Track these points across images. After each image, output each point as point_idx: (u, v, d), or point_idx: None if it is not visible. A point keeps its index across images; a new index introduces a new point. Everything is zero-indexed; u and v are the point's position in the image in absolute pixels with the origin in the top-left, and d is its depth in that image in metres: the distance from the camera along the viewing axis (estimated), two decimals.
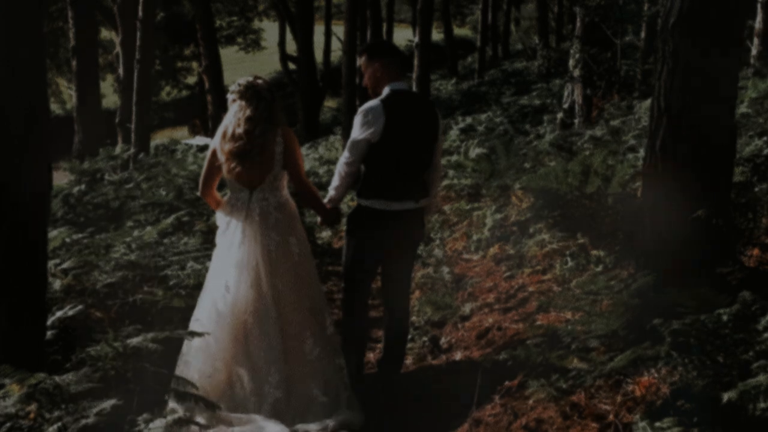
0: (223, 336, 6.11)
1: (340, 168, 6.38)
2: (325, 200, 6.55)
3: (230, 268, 6.21)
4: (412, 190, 6.32)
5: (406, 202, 6.31)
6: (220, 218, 6.46)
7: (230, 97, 6.39)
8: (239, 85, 6.35)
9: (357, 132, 6.24)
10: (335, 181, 6.46)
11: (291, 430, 5.82)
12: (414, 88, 22.33)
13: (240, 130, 6.17)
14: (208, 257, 7.33)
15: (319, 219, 6.74)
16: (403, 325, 6.77)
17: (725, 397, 3.88)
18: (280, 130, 6.26)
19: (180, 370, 5.98)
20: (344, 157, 6.33)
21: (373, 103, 6.25)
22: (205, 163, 6.45)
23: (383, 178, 6.28)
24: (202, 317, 6.17)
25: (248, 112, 6.21)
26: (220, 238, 6.43)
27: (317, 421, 5.99)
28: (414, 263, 6.91)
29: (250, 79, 6.39)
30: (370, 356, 7.44)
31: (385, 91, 6.32)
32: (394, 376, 6.76)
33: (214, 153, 6.35)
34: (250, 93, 6.28)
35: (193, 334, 5.77)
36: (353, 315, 6.66)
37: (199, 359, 6.08)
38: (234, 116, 6.25)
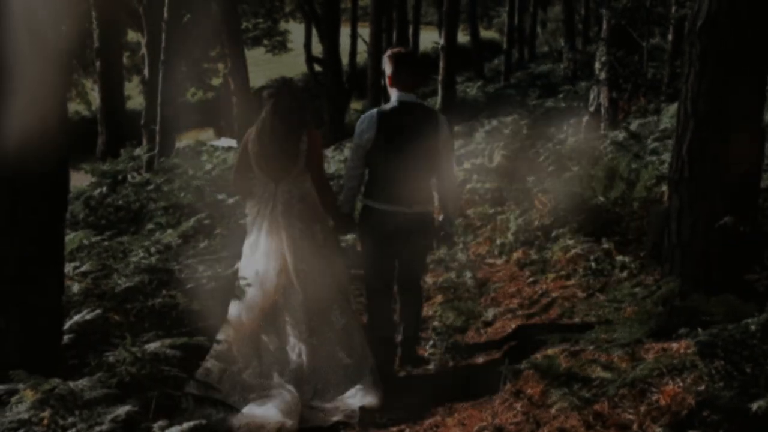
0: (254, 314, 6.58)
1: (345, 172, 7.07)
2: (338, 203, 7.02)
3: (260, 256, 6.68)
4: (405, 195, 6.68)
5: (398, 206, 6.69)
6: (250, 207, 6.91)
7: (263, 97, 6.79)
8: (271, 86, 6.83)
9: (354, 138, 6.86)
10: (344, 185, 7.02)
11: (307, 405, 6.16)
12: (439, 91, 22.31)
13: (269, 129, 6.62)
14: (228, 260, 7.37)
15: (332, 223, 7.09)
16: (415, 316, 7.20)
17: (753, 407, 3.79)
18: (306, 130, 6.64)
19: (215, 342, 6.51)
20: (348, 161, 6.99)
21: (370, 111, 6.86)
22: (238, 156, 6.95)
23: (377, 182, 6.78)
24: (238, 303, 6.63)
25: (279, 111, 6.63)
26: (250, 227, 6.87)
27: (339, 388, 6.38)
28: (424, 262, 7.31)
29: (280, 83, 6.86)
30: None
31: (391, 99, 6.81)
32: (411, 354, 7.17)
33: (245, 146, 6.80)
34: (281, 94, 6.68)
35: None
36: (373, 311, 7.11)
37: (230, 332, 6.57)
38: (265, 114, 6.68)
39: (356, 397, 6.28)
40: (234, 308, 6.63)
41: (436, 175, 6.83)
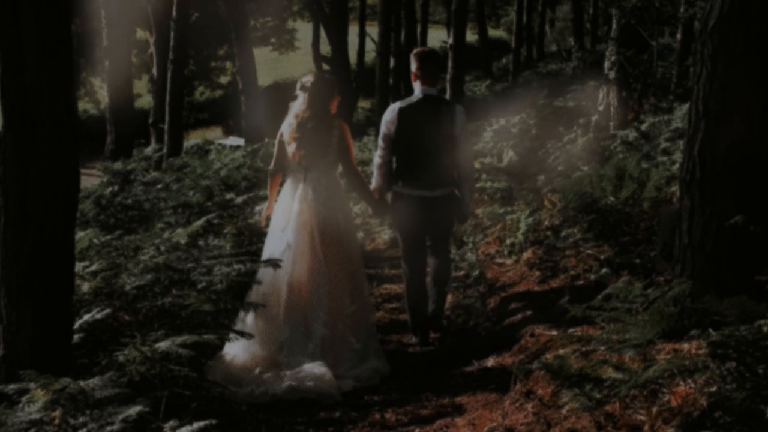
0: (282, 287, 7.03)
1: (375, 159, 7.79)
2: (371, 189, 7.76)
3: (290, 231, 7.15)
4: (427, 180, 7.50)
5: (422, 190, 7.51)
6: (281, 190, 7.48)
7: (297, 90, 7.32)
8: (305, 81, 7.32)
9: (381, 128, 7.64)
10: (374, 172, 7.74)
11: (334, 374, 6.67)
12: (447, 89, 22.31)
13: (301, 119, 7.21)
14: (238, 260, 7.39)
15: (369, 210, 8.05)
16: (444, 272, 7.82)
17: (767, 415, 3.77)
18: (337, 123, 7.27)
19: (242, 317, 6.94)
20: (377, 150, 7.71)
21: (395, 104, 7.71)
22: (276, 146, 7.50)
23: (400, 167, 7.58)
24: (265, 274, 7.03)
25: (310, 103, 7.20)
26: (277, 207, 7.42)
27: (350, 364, 6.98)
28: (450, 234, 8.05)
29: (314, 76, 7.42)
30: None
31: (415, 92, 7.62)
32: (438, 315, 7.76)
33: (281, 137, 7.37)
34: (312, 88, 7.22)
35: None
36: (407, 285, 7.80)
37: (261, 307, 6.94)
38: (299, 106, 7.26)
39: (368, 366, 7.04)
40: (259, 285, 7.02)
41: (455, 159, 7.57)
